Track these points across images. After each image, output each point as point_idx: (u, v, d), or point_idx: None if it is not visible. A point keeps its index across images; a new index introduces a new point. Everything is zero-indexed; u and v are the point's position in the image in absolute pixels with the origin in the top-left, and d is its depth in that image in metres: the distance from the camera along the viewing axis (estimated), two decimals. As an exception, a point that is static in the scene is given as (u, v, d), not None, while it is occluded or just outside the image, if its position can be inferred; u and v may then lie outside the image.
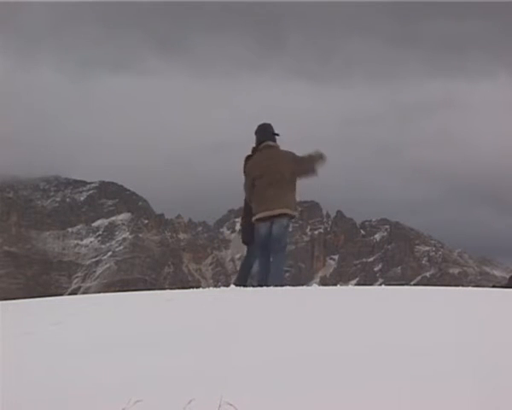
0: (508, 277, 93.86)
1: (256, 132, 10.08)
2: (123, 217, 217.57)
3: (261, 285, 9.31)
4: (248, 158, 10.10)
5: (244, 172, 10.04)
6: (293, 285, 9.35)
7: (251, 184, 9.89)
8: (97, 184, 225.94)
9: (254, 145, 10.08)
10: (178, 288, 10.60)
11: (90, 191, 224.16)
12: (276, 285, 8.72)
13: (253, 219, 9.89)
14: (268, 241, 9.82)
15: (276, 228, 9.83)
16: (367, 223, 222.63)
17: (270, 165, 9.82)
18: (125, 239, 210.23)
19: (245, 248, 10.67)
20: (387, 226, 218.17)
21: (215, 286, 9.56)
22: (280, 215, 9.80)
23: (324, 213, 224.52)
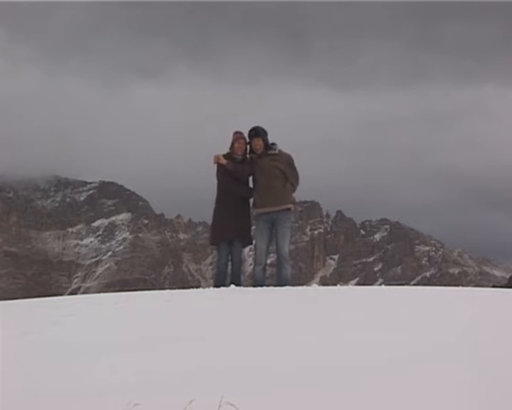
0: (508, 277, 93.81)
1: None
2: (123, 217, 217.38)
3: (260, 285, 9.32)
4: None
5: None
6: (293, 285, 9.35)
7: None
8: (97, 184, 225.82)
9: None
10: (178, 288, 10.60)
11: (90, 191, 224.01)
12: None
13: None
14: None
15: None
16: (367, 223, 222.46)
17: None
18: (125, 239, 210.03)
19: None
20: (387, 226, 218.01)
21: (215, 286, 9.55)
22: None
23: (324, 213, 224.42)
